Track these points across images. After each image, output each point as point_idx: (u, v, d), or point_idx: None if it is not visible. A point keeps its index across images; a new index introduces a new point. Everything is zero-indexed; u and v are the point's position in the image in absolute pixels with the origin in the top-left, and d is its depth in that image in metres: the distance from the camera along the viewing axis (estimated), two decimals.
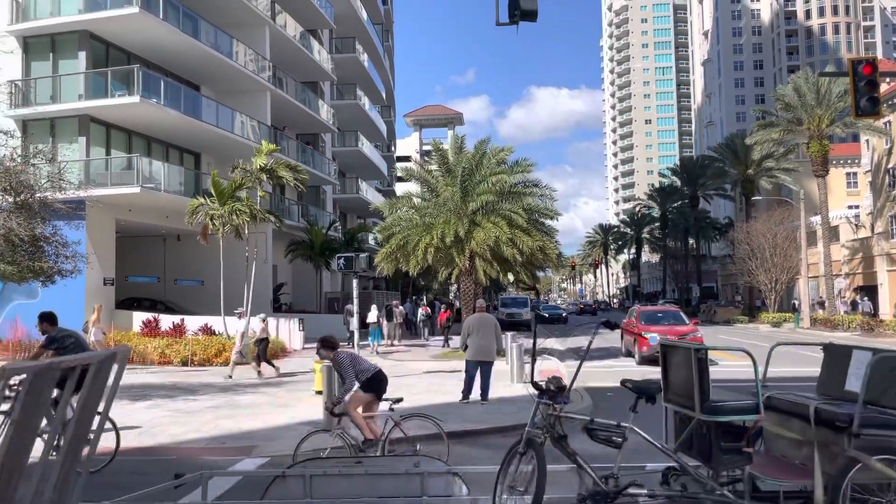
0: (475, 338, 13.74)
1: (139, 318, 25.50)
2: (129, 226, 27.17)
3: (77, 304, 23.59)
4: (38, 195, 14.19)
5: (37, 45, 25.63)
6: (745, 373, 19.47)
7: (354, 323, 21.08)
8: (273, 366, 19.12)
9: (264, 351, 19.28)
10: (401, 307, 32.70)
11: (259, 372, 18.50)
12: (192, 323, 24.78)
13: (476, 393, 13.93)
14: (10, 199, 13.85)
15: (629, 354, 23.48)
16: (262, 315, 20.00)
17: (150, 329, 24.24)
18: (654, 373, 19.95)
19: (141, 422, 11.95)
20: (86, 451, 3.12)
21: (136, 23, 24.74)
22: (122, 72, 25.33)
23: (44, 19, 25.02)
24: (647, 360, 21.16)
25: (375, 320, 28.01)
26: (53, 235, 14.91)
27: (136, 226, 27.57)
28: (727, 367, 21.40)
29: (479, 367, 13.84)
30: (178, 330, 24.15)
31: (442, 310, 32.42)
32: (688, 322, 23.17)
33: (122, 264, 27.14)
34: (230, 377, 18.18)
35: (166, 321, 24.86)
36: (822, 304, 45.85)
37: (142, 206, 26.15)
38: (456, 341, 26.85)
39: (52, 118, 24.99)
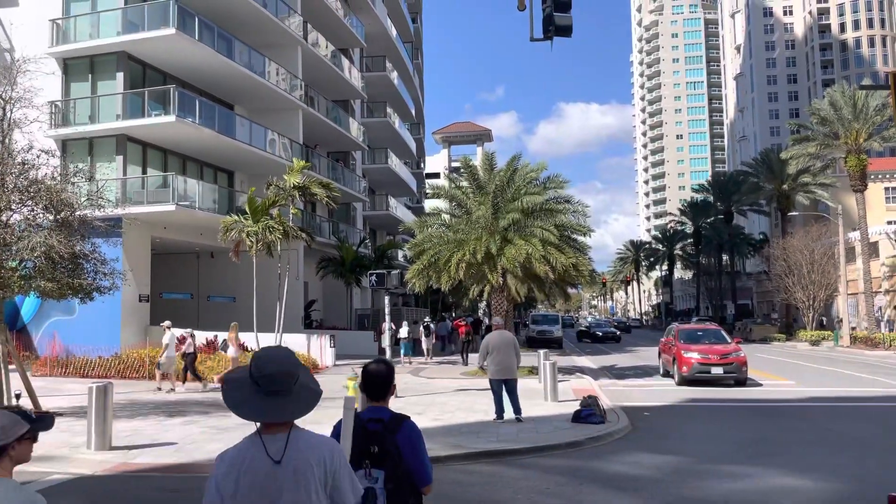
0: (495, 356, 13.63)
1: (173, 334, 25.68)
2: (163, 243, 27.52)
3: (113, 321, 23.92)
4: (77, 213, 14.39)
5: (76, 67, 26.23)
6: (790, 393, 19.02)
7: (386, 339, 21.05)
8: (200, 380, 19.30)
9: (192, 364, 19.59)
10: (432, 325, 32.63)
11: (172, 389, 18.61)
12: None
13: (509, 411, 13.78)
14: (51, 217, 14.07)
15: (667, 374, 22.52)
16: (189, 330, 20.21)
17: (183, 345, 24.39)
18: (695, 394, 19.65)
19: (177, 438, 11.98)
20: None
21: (173, 44, 25.19)
22: (158, 92, 25.78)
23: (83, 41, 25.60)
24: (687, 381, 20.27)
25: (406, 335, 28.42)
26: (92, 253, 15.10)
27: (171, 243, 27.92)
28: (771, 386, 20.90)
29: (505, 385, 13.73)
30: (212, 346, 24.30)
31: (463, 324, 32.04)
32: (730, 341, 22.06)
33: (156, 281, 27.47)
34: (159, 389, 18.46)
35: (199, 337, 25.00)
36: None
37: (176, 224, 26.48)
38: (473, 358, 26.74)
39: (90, 138, 25.48)
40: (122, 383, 19.52)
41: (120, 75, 25.58)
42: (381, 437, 3.58)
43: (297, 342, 26.18)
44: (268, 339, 24.39)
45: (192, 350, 19.93)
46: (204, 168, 29.69)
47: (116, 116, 25.20)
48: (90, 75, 26.21)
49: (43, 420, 2.84)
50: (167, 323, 19.90)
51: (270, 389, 2.74)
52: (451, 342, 35.50)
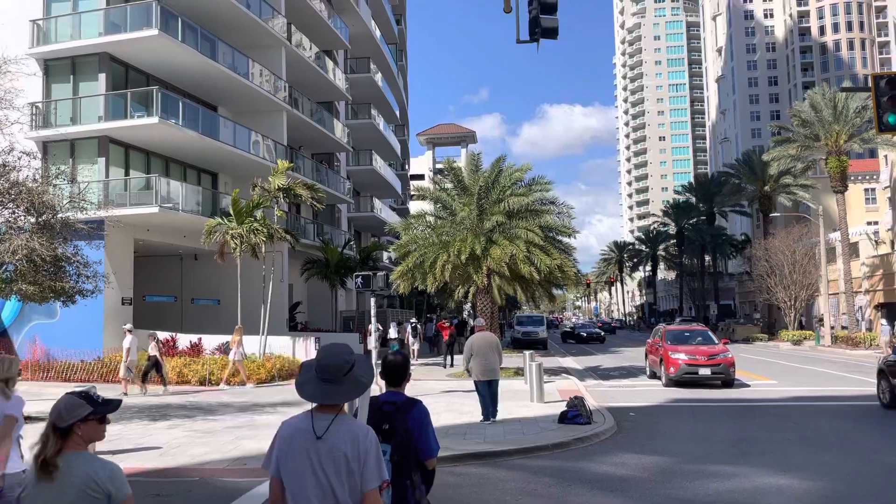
0: (479, 358, 13.69)
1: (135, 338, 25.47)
2: (146, 245, 27.29)
3: (95, 324, 23.67)
4: (59, 215, 14.25)
5: (57, 68, 25.94)
6: (773, 392, 19.17)
7: (372, 342, 21.00)
8: (142, 386, 19.30)
9: (153, 368, 19.66)
10: (419, 326, 32.57)
11: (125, 393, 18.55)
12: (210, 342, 24.77)
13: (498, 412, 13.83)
14: (32, 220, 13.92)
15: (654, 376, 22.34)
16: (153, 332, 20.19)
17: (168, 348, 24.23)
18: (680, 394, 19.81)
19: (161, 442, 11.87)
20: None
21: (156, 45, 24.98)
22: (141, 93, 25.55)
23: (64, 42, 25.32)
24: (674, 382, 20.16)
25: (395, 336, 28.37)
26: (74, 255, 14.96)
27: (154, 245, 27.69)
28: (755, 386, 21.07)
29: (490, 386, 13.82)
30: (196, 349, 24.13)
31: (446, 325, 31.84)
32: (717, 341, 21.87)
33: (139, 284, 27.22)
34: (125, 394, 18.36)
35: (184, 340, 24.87)
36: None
37: (160, 226, 26.27)
38: (458, 360, 26.74)
39: (72, 139, 25.20)
40: (105, 387, 19.31)
41: (102, 76, 25.33)
42: (393, 417, 4.29)
43: (281, 344, 26.07)
44: (252, 342, 24.27)
45: (155, 353, 19.86)
46: (187, 170, 29.47)
47: (98, 118, 24.96)
48: (72, 76, 25.94)
49: (108, 403, 3.25)
50: (128, 326, 19.76)
51: (324, 377, 3.41)
52: (436, 344, 35.45)
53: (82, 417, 3.12)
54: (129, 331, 19.33)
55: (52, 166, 19.04)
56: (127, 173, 26.12)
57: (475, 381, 13.94)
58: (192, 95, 28.86)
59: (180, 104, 25.95)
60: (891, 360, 16.39)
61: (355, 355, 3.55)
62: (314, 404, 3.42)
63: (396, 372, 4.56)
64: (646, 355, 24.13)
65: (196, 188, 28.54)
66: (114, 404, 3.31)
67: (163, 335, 25.26)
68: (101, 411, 3.20)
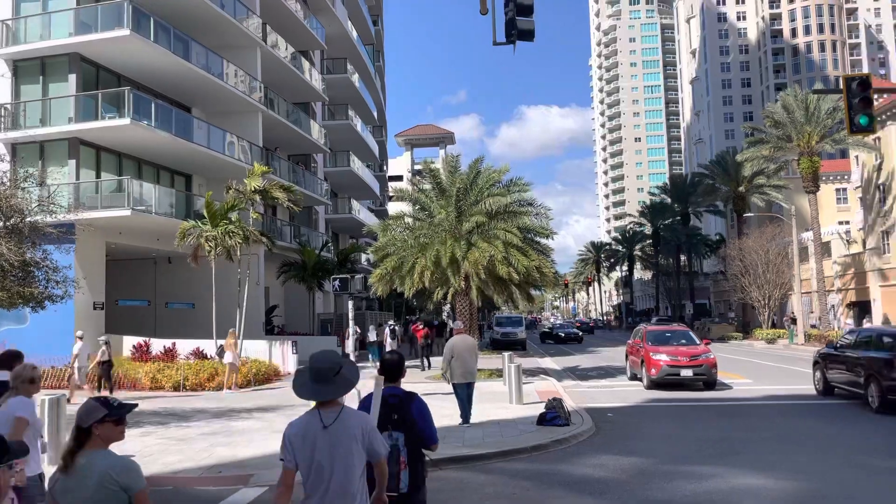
0: (459, 361, 13.66)
1: (129, 342, 25.12)
2: (119, 249, 26.87)
3: (67, 330, 23.21)
4: (28, 219, 13.93)
5: (27, 69, 25.45)
6: (748, 391, 19.30)
7: (350, 345, 20.87)
8: (102, 389, 19.14)
9: (107, 373, 19.47)
10: (397, 328, 32.43)
11: (68, 400, 18.18)
12: (184, 347, 24.43)
13: (475, 414, 13.77)
14: (0, 224, 13.60)
15: (635, 378, 21.78)
16: (105, 337, 19.90)
17: (141, 353, 23.87)
18: (656, 394, 19.92)
19: (133, 450, 11.63)
20: None
21: (127, 45, 24.61)
22: (112, 94, 25.15)
23: (34, 42, 24.85)
24: (655, 384, 19.70)
25: (375, 338, 28.24)
26: (44, 260, 14.65)
27: (127, 249, 27.27)
28: (731, 385, 21.21)
29: (468, 389, 13.80)
30: (170, 354, 23.79)
31: (420, 327, 31.62)
32: (699, 342, 21.28)
33: (111, 288, 26.80)
34: (69, 401, 18.06)
35: (157, 345, 24.51)
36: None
37: (132, 229, 25.87)
38: (434, 362, 26.69)
39: (41, 141, 24.74)
40: (77, 394, 18.93)
41: (72, 77, 24.90)
42: (398, 407, 4.94)
43: (258, 349, 25.81)
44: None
45: (107, 358, 19.59)
46: (160, 172, 29.07)
47: (69, 119, 24.52)
48: (41, 77, 25.46)
49: (123, 406, 3.67)
50: (79, 333, 19.42)
51: (317, 379, 4.10)
52: (415, 346, 35.20)
53: (99, 419, 3.53)
54: (80, 337, 18.98)
55: (21, 169, 18.66)
56: (98, 175, 25.70)
57: (454, 384, 13.88)
58: (165, 96, 28.49)
59: (153, 105, 25.59)
60: (824, 352, 19.02)
61: (343, 359, 4.26)
62: (314, 404, 4.13)
63: (393, 369, 5.23)
64: (626, 356, 23.68)
65: (169, 190, 28.17)
66: (128, 407, 3.69)
67: (136, 340, 24.91)
68: (115, 414, 3.59)
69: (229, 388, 20.74)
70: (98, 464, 3.50)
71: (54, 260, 15.98)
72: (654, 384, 19.71)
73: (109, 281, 26.36)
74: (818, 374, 18.72)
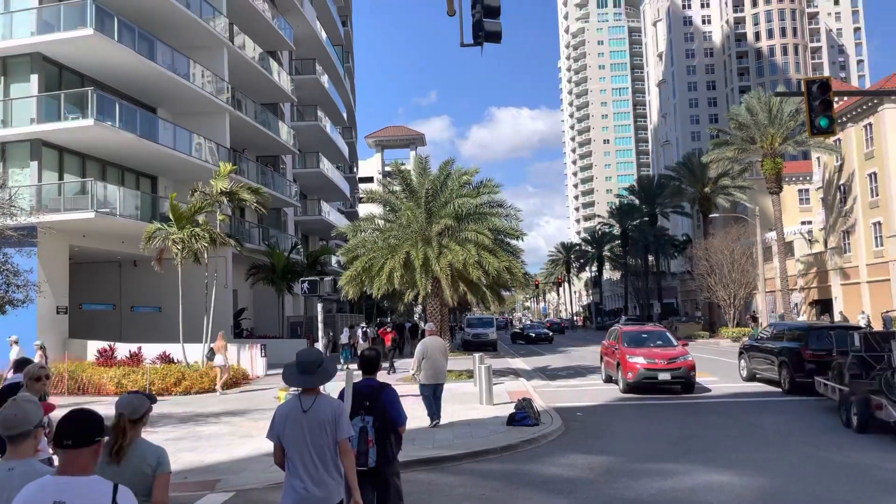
0: (429, 362, 13.74)
1: (94, 346, 24.69)
2: (83, 252, 26.39)
3: (29, 334, 22.69)
4: None
5: None
6: (714, 389, 19.58)
7: (320, 347, 20.79)
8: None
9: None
10: (369, 331, 32.30)
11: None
12: (150, 351, 24.08)
13: (445, 414, 13.83)
14: None
15: (610, 380, 20.97)
16: (40, 342, 19.54)
17: (106, 358, 23.46)
18: (629, 393, 20.02)
19: None
20: None
21: (91, 45, 24.20)
22: (75, 95, 24.71)
23: None
24: (632, 388, 18.84)
25: (347, 341, 28.16)
26: (4, 264, 14.33)
27: (91, 252, 26.80)
28: (703, 384, 21.48)
29: (435, 390, 13.88)
30: (136, 358, 23.42)
31: (388, 330, 31.45)
32: (676, 343, 20.33)
33: (75, 292, 26.31)
34: None
35: (123, 350, 24.12)
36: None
37: (97, 232, 25.43)
38: (401, 365, 26.68)
39: (2, 143, 24.20)
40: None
41: (34, 77, 24.42)
42: (371, 396, 5.99)
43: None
44: (195, 350, 23.70)
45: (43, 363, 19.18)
46: (125, 173, 28.63)
47: (31, 120, 24.03)
48: (2, 77, 24.92)
49: (154, 398, 4.31)
50: (14, 337, 18.94)
51: (302, 371, 5.08)
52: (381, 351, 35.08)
53: (147, 410, 4.11)
54: (16, 342, 18.53)
55: None
56: (61, 177, 25.23)
57: (421, 385, 13.91)
58: (130, 97, 28.07)
59: (117, 106, 25.19)
60: (747, 344, 21.37)
61: (324, 356, 5.33)
62: (299, 390, 5.12)
63: (371, 364, 6.37)
64: (601, 357, 22.78)
65: (135, 192, 27.76)
66: (154, 398, 4.28)
67: (101, 344, 24.48)
68: (154, 403, 4.20)
69: (220, 389, 20.92)
70: (138, 450, 3.93)
71: (15, 264, 15.64)
72: (631, 388, 18.87)
73: (73, 284, 25.87)
74: (743, 363, 21.82)
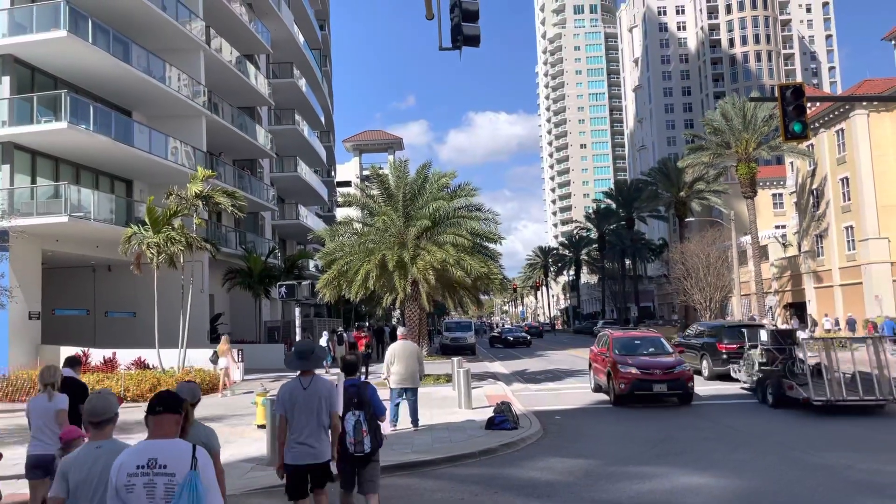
0: (398, 366, 13.70)
1: (67, 352, 24.26)
2: (56, 257, 25.99)
3: (0, 341, 22.38)
4: None
5: None
6: (698, 390, 19.72)
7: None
8: None
9: None
10: (345, 335, 32.13)
11: None
12: (125, 357, 23.75)
13: (408, 421, 13.90)
14: None
15: (600, 389, 19.55)
16: None
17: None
18: (602, 395, 20.02)
19: None
20: None
21: (64, 47, 23.87)
22: (48, 97, 24.35)
23: None
24: (624, 399, 17.28)
25: (326, 345, 28.07)
26: None
27: (65, 256, 26.40)
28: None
29: (405, 394, 13.82)
30: (110, 364, 23.10)
31: (362, 335, 31.13)
32: (672, 351, 18.96)
33: (48, 297, 25.90)
34: None
35: (97, 355, 23.77)
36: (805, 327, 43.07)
37: (70, 236, 25.06)
38: (374, 370, 26.58)
39: None
40: (11, 406, 18.25)
41: (6, 79, 24.02)
42: (357, 392, 7.17)
43: (202, 358, 25.22)
44: (171, 356, 23.43)
45: None
46: (100, 177, 28.26)
47: (2, 123, 23.63)
48: None
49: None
50: None
51: (300, 357, 6.83)
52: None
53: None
54: None
55: None
56: (34, 181, 24.84)
57: (391, 389, 13.85)
58: (105, 100, 27.73)
59: (91, 108, 24.85)
60: (676, 342, 23.54)
61: (316, 345, 7.29)
62: (298, 372, 6.83)
63: (352, 366, 7.78)
64: (589, 365, 21.08)
65: (109, 196, 27.40)
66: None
67: (74, 350, 24.10)
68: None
69: (227, 391, 21.20)
70: (195, 430, 4.88)
71: None
72: (623, 399, 17.27)
73: (46, 290, 25.47)
74: None
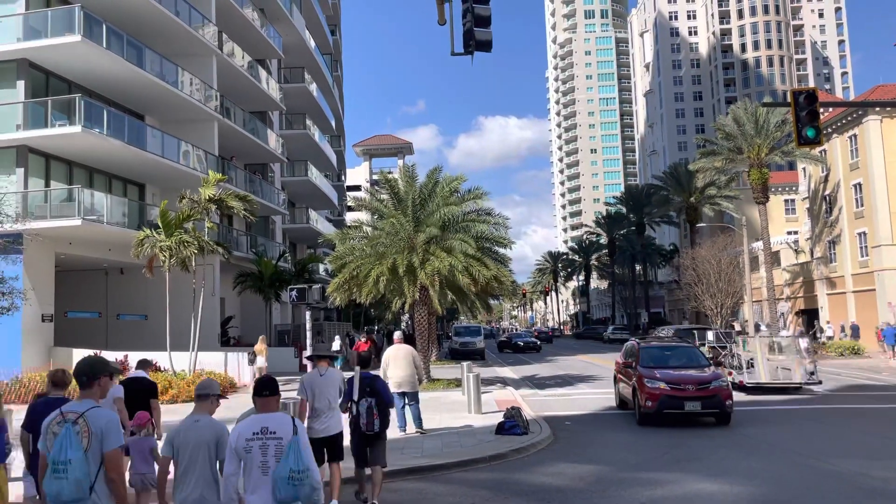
0: (392, 370, 13.68)
1: (80, 354, 24.40)
2: (69, 260, 26.17)
3: (13, 342, 22.54)
4: None
5: None
6: None
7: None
8: None
9: None
10: (357, 337, 32.22)
11: None
12: (136, 359, 23.81)
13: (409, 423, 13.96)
14: None
15: (624, 405, 17.42)
16: None
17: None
18: (612, 401, 19.87)
19: None
20: None
21: (78, 51, 24.07)
22: (62, 101, 24.54)
23: None
24: (651, 419, 15.15)
25: (339, 348, 28.19)
26: None
27: (77, 259, 26.58)
28: None
29: (405, 398, 13.82)
30: (121, 367, 23.16)
31: (361, 340, 31.11)
32: (708, 364, 16.74)
33: (61, 300, 26.06)
34: None
35: (108, 358, 23.78)
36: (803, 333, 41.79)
37: (83, 239, 25.23)
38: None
39: None
40: (23, 409, 18.32)
41: (21, 83, 24.25)
42: (370, 383, 8.88)
43: (213, 360, 25.35)
44: (182, 358, 23.52)
45: None
46: (113, 181, 28.45)
47: (17, 127, 23.83)
48: None
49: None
50: None
51: (318, 352, 10.11)
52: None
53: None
54: None
55: None
56: (48, 184, 25.03)
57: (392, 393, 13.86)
58: (118, 104, 27.94)
59: (105, 113, 25.04)
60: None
61: (329, 348, 16.81)
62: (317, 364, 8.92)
63: (366, 361, 9.94)
64: (614, 380, 18.76)
65: (122, 200, 27.59)
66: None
67: (86, 353, 24.21)
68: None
69: None
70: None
71: (0, 271, 15.49)
72: (649, 418, 15.16)
73: (59, 292, 25.64)
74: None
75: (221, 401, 20.01)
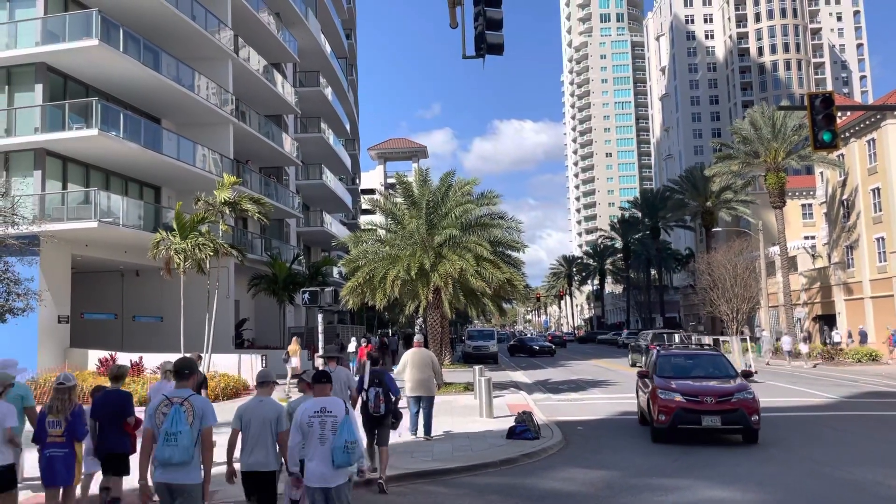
0: (411, 372, 13.64)
1: (95, 356, 24.65)
2: (85, 261, 26.42)
3: (29, 343, 22.76)
4: None
5: None
6: None
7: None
8: None
9: None
10: (373, 340, 32.25)
11: None
12: (151, 361, 23.99)
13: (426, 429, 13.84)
14: None
15: (645, 421, 15.30)
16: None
17: (107, 368, 23.38)
18: (625, 407, 19.66)
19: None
20: None
21: (95, 55, 24.34)
22: (80, 104, 24.81)
23: None
24: (665, 436, 13.49)
25: (355, 350, 28.29)
26: (4, 272, 14.34)
27: (93, 261, 26.83)
28: None
29: (420, 402, 13.70)
30: (137, 369, 23.36)
31: (363, 344, 30.97)
32: (734, 374, 14.80)
33: (77, 301, 26.31)
34: None
35: (124, 359, 24.03)
36: (807, 338, 40.34)
37: (99, 241, 25.47)
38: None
39: (6, 151, 24.30)
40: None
41: (39, 87, 24.55)
42: (378, 376, 10.69)
43: (227, 363, 25.47)
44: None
45: None
46: (129, 183, 28.71)
47: (35, 130, 24.13)
48: (7, 87, 25.06)
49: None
50: None
51: (328, 352, 13.55)
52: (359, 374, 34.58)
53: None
54: None
55: None
56: (65, 187, 25.30)
57: (407, 397, 13.76)
58: (135, 107, 28.21)
59: (121, 116, 25.30)
60: (633, 345, 27.73)
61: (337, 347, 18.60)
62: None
63: (374, 359, 12.76)
64: (637, 390, 16.86)
65: (138, 202, 27.82)
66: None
67: (102, 354, 24.45)
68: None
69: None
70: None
71: (16, 272, 15.66)
72: (662, 434, 13.53)
73: (75, 294, 25.89)
74: (631, 356, 36.29)
75: (231, 401, 20.06)
